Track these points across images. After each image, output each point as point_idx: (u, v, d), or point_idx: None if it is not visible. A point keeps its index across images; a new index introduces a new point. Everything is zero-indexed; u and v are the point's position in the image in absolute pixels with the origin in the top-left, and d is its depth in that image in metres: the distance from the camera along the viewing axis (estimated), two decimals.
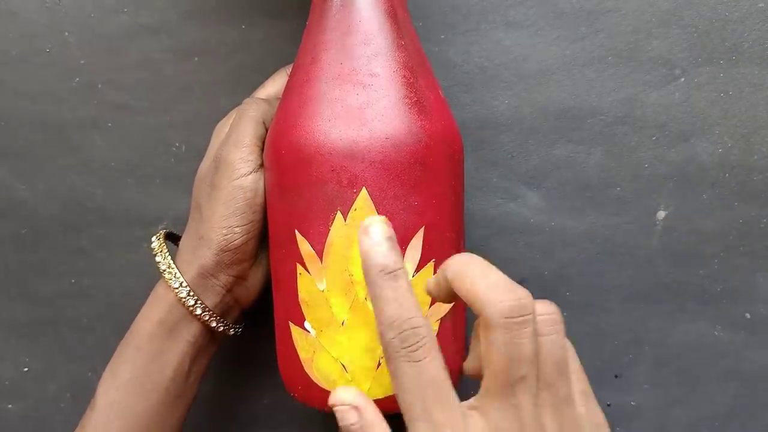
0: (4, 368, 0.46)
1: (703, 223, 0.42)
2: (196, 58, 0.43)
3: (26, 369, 0.46)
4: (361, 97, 0.31)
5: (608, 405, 0.44)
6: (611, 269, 0.43)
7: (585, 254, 0.43)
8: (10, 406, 0.46)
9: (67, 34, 0.43)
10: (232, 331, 0.38)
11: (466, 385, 0.44)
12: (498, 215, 0.43)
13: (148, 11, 0.43)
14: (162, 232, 0.38)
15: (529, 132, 0.42)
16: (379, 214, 0.31)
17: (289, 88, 0.33)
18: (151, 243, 0.37)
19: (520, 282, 0.44)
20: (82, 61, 0.43)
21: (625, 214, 0.42)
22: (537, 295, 0.43)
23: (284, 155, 0.32)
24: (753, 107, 0.41)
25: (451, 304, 0.33)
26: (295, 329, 0.33)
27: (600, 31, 0.42)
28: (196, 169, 0.38)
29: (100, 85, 0.44)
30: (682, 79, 0.42)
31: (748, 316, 0.43)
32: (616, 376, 0.44)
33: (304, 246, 0.32)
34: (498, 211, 0.43)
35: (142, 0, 0.43)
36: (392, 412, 0.32)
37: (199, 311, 0.35)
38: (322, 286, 0.32)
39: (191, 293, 0.35)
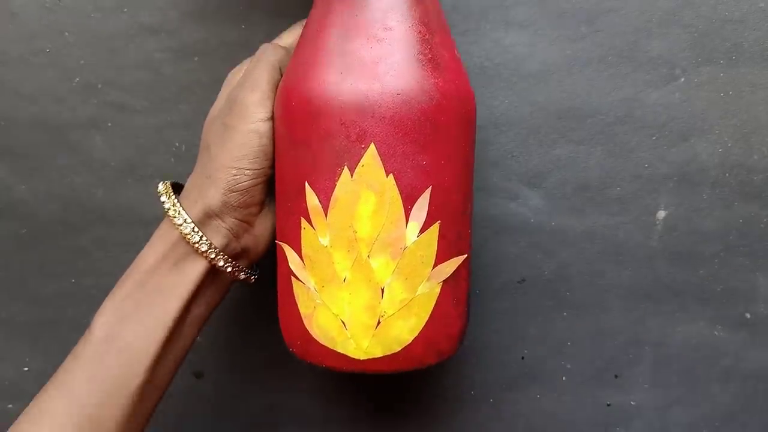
0: (4, 368, 0.46)
1: (703, 222, 0.42)
2: (196, 58, 0.43)
3: (26, 369, 0.46)
4: (375, 50, 0.30)
5: (608, 404, 0.44)
6: (611, 269, 0.43)
7: (585, 254, 0.43)
8: (10, 405, 0.46)
9: (67, 34, 0.43)
10: (243, 275, 0.36)
11: (464, 385, 0.44)
12: (498, 215, 0.43)
13: (148, 11, 0.43)
14: (168, 181, 0.36)
15: (529, 132, 0.42)
16: (386, 171, 0.31)
17: (302, 39, 0.33)
18: (158, 187, 0.35)
19: (520, 282, 0.44)
20: (82, 61, 0.43)
21: (625, 213, 0.42)
22: (537, 294, 0.44)
23: (294, 107, 0.31)
24: (753, 107, 0.41)
25: (455, 267, 0.33)
26: (296, 284, 0.33)
27: (600, 31, 0.41)
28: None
29: (100, 85, 0.44)
30: (682, 79, 0.42)
31: (748, 315, 0.43)
32: (616, 376, 0.44)
33: (312, 199, 0.31)
34: (498, 211, 0.43)
35: (142, 0, 0.43)
36: (391, 371, 0.32)
37: (204, 248, 0.33)
38: (325, 241, 0.31)
39: (195, 229, 0.33)
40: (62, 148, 0.44)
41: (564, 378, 0.44)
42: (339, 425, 0.45)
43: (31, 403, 0.33)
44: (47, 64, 0.44)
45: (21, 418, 0.33)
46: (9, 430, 0.33)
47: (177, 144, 0.44)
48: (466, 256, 0.33)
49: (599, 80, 0.42)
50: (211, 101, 0.43)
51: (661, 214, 0.42)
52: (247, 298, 0.45)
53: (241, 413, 0.45)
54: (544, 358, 0.44)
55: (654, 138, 0.42)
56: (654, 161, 0.42)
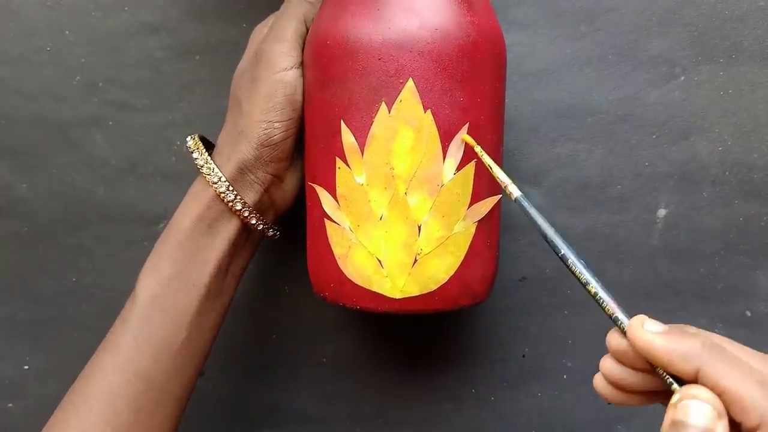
0: (4, 367, 0.46)
1: (704, 221, 0.42)
2: (196, 57, 0.43)
3: (27, 368, 0.46)
4: None
5: (608, 403, 0.44)
6: (612, 267, 0.43)
7: (586, 252, 0.43)
8: (10, 405, 0.46)
9: (67, 32, 0.43)
10: (270, 232, 0.37)
11: (465, 383, 0.44)
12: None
13: (149, 9, 0.43)
14: (196, 134, 0.37)
15: (529, 130, 0.42)
16: (424, 106, 0.31)
17: None
18: (186, 142, 0.36)
19: (521, 280, 0.44)
20: (82, 60, 0.43)
21: (625, 212, 0.43)
22: (538, 293, 0.44)
23: (329, 45, 0.31)
24: (753, 105, 0.41)
25: (490, 207, 0.33)
26: (330, 225, 0.33)
27: (600, 30, 0.42)
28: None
29: (100, 84, 0.44)
30: (682, 78, 0.42)
31: (748, 314, 0.43)
32: None
33: (347, 138, 0.31)
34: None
35: None
36: (427, 311, 0.32)
37: (239, 206, 0.35)
38: (361, 179, 0.31)
39: (231, 188, 0.34)
40: (63, 147, 0.44)
41: (565, 376, 0.44)
42: (339, 425, 0.45)
43: (84, 367, 0.34)
44: (48, 63, 0.44)
45: (75, 381, 0.34)
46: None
47: (178, 142, 0.44)
48: (500, 196, 0.34)
49: (599, 79, 0.42)
50: (212, 99, 0.43)
51: (662, 212, 0.43)
52: (247, 296, 0.45)
53: (241, 413, 0.45)
54: (545, 357, 0.44)
55: (654, 136, 0.42)
56: (654, 160, 0.42)
